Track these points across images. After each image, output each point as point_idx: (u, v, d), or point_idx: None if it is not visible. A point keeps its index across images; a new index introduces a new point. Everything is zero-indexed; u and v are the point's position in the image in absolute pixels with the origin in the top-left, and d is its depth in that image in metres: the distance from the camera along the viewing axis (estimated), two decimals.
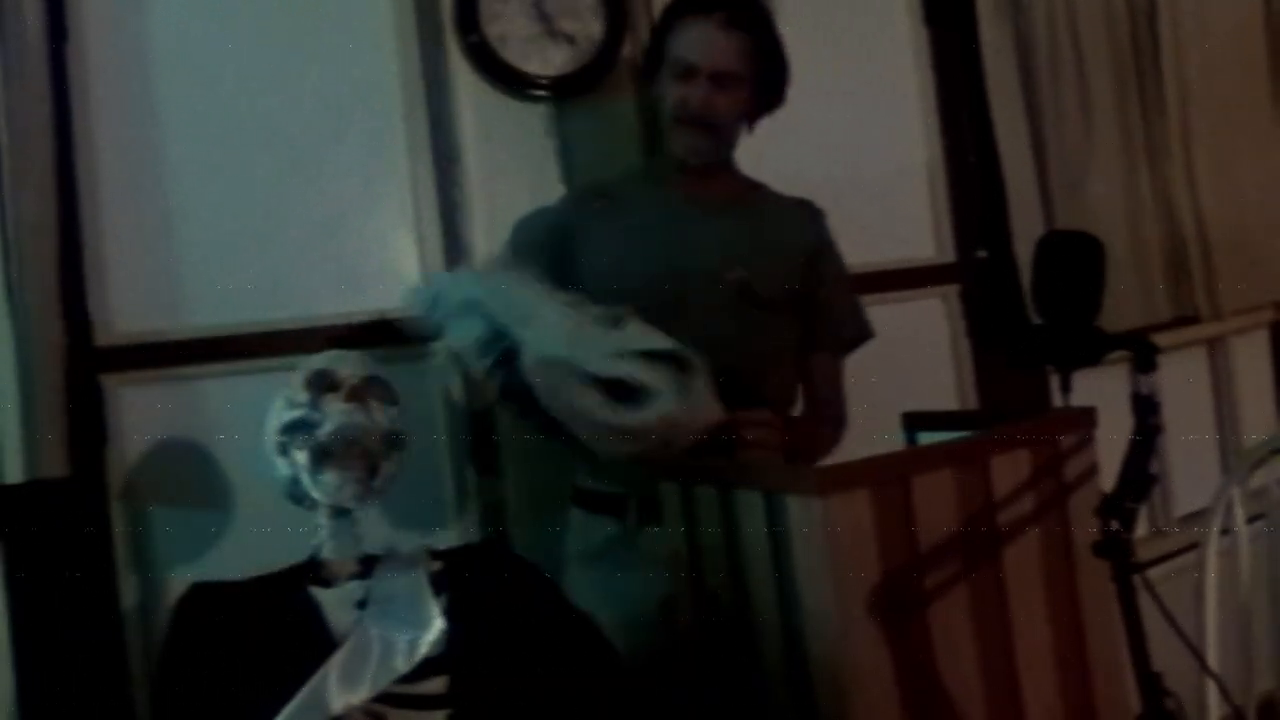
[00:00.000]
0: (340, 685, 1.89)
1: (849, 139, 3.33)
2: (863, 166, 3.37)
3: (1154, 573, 1.98)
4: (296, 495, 2.12)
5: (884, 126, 3.45)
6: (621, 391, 2.22)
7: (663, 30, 2.59)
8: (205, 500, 2.56)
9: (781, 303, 2.60)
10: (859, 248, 3.26)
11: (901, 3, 3.50)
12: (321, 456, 2.06)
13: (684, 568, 2.28)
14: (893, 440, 2.59)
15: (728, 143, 2.64)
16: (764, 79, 2.61)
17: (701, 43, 2.52)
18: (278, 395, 2.14)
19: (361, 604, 2.03)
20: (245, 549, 2.47)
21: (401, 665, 1.94)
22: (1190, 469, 3.90)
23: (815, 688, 2.02)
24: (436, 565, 2.11)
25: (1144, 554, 2.06)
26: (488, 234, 2.85)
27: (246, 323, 2.62)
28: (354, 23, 2.78)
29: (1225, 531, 2.45)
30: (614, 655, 2.14)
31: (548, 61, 2.95)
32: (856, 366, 3.05)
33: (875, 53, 3.45)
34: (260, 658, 1.93)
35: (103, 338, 2.54)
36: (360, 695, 1.90)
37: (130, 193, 2.60)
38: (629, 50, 3.06)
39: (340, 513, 2.08)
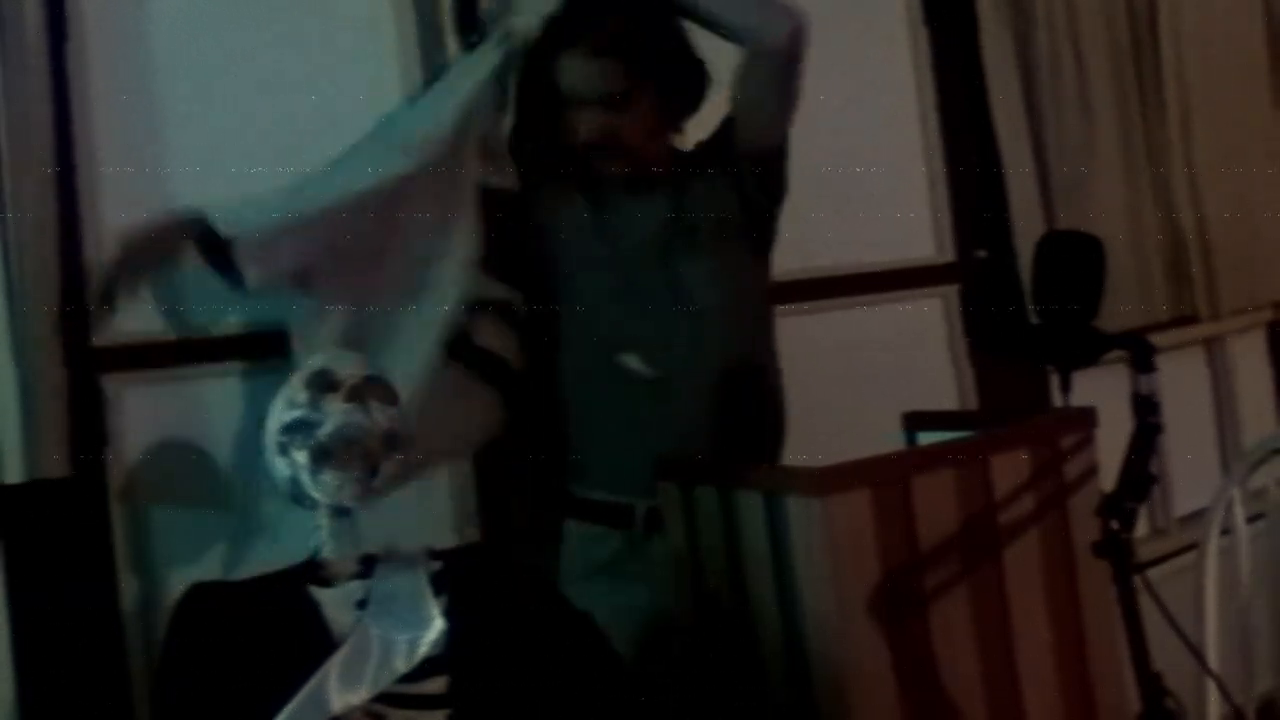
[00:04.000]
0: (340, 685, 1.89)
1: (849, 139, 3.33)
2: (862, 167, 3.36)
3: (1154, 573, 1.98)
4: (296, 495, 2.12)
5: (884, 127, 3.45)
6: None
7: (547, 62, 2.52)
8: (205, 500, 2.56)
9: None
10: (859, 248, 3.28)
11: (901, 3, 3.49)
12: (321, 456, 2.06)
13: (685, 568, 2.28)
14: (893, 440, 2.59)
15: (648, 159, 2.57)
16: (667, 87, 2.54)
17: (575, 74, 2.48)
18: (278, 395, 2.14)
19: (362, 604, 2.03)
20: (245, 549, 2.47)
21: (401, 665, 1.94)
22: (1190, 469, 3.90)
23: (815, 687, 2.02)
24: (436, 565, 2.11)
25: (1144, 554, 2.07)
26: None
27: (247, 323, 2.62)
28: (354, 22, 2.78)
29: (1225, 532, 2.46)
30: (613, 656, 2.15)
31: None
32: (857, 366, 3.06)
33: (875, 53, 3.45)
34: (260, 658, 1.93)
35: (103, 338, 2.54)
36: (360, 695, 1.90)
37: (131, 192, 2.59)
38: None
39: (340, 512, 2.08)
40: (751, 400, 2.58)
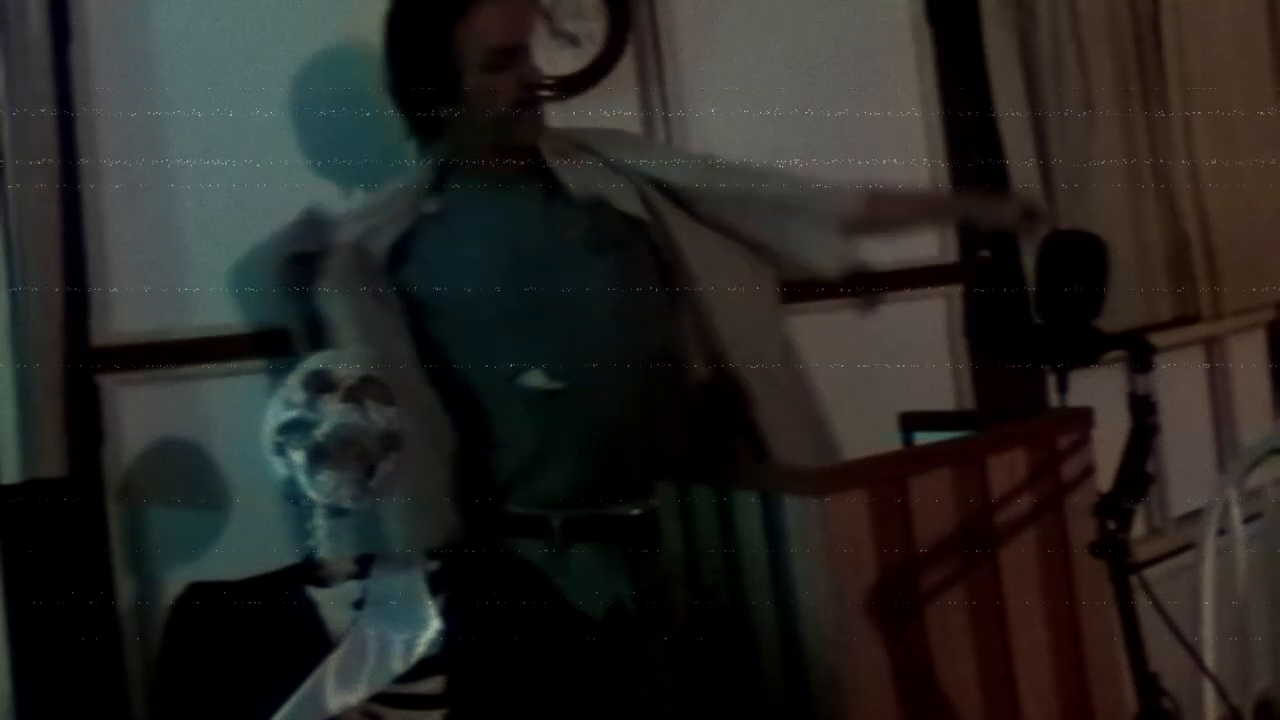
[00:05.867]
0: (337, 685, 1.90)
1: (851, 138, 3.32)
2: (865, 166, 3.35)
3: (1151, 573, 1.97)
4: (293, 495, 2.12)
5: (887, 126, 3.44)
6: None
7: (438, 34, 2.40)
8: (202, 500, 2.56)
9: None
10: (861, 247, 3.26)
11: (904, 1, 3.49)
12: (318, 456, 2.05)
13: (681, 568, 2.28)
14: (890, 440, 2.59)
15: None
16: None
17: (509, 22, 2.42)
18: (275, 395, 2.14)
19: (358, 604, 2.03)
20: (242, 549, 2.47)
21: (398, 665, 1.94)
22: (1187, 469, 3.89)
23: (812, 688, 2.02)
24: (433, 565, 2.11)
25: (1141, 554, 2.06)
26: None
27: (245, 323, 2.62)
28: (355, 23, 2.77)
29: (1222, 531, 2.45)
30: (611, 654, 2.15)
31: (550, 61, 2.92)
32: (854, 365, 3.05)
33: (878, 51, 3.45)
34: (257, 658, 1.93)
35: (101, 337, 2.55)
36: (357, 695, 1.90)
37: (131, 193, 2.60)
38: (631, 49, 3.06)
39: (337, 513, 2.08)
40: (668, 401, 2.54)
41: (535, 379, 2.43)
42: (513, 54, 2.43)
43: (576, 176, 2.53)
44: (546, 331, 2.45)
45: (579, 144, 2.59)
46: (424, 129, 2.53)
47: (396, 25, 2.45)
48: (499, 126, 2.48)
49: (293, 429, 2.09)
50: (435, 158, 2.59)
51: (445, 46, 2.40)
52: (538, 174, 2.53)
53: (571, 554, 2.44)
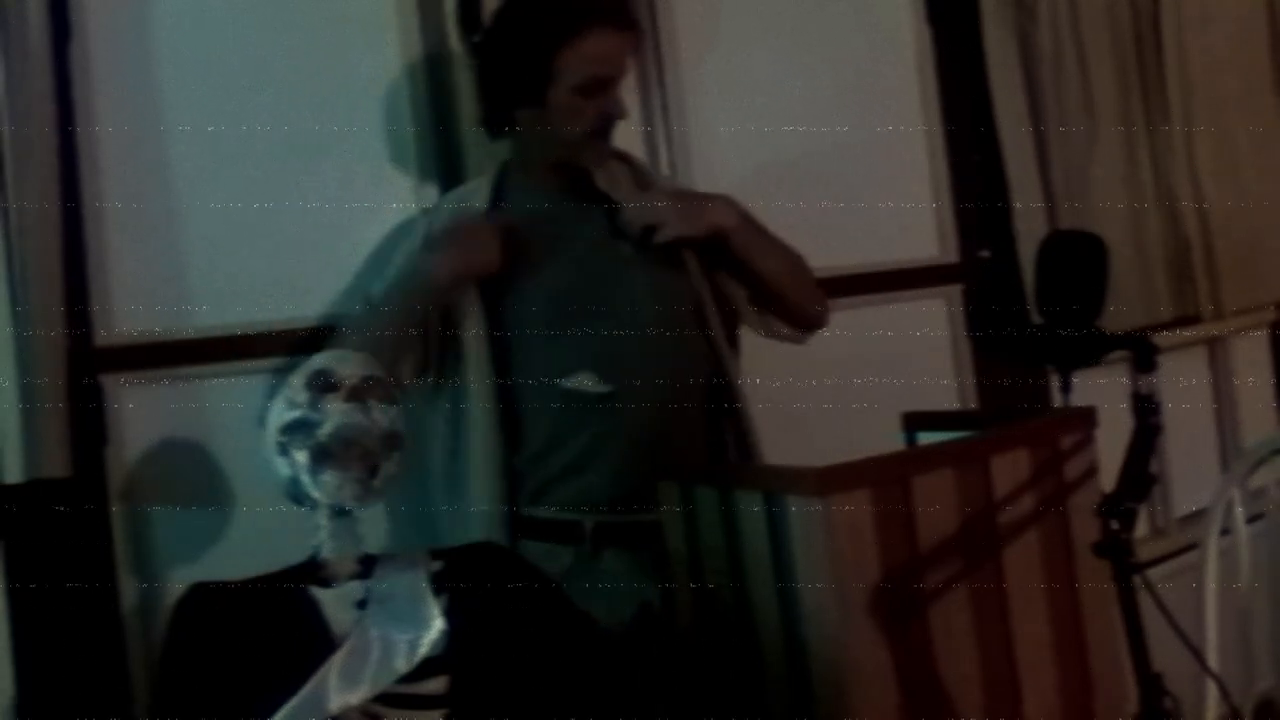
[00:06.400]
0: (339, 685, 1.89)
1: (852, 138, 3.33)
2: (866, 166, 3.37)
3: (1154, 573, 1.98)
4: (296, 495, 2.12)
5: (887, 126, 3.44)
6: None
7: (546, 45, 2.42)
8: (206, 501, 2.56)
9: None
10: (862, 247, 3.27)
11: (904, 1, 3.49)
12: (321, 457, 2.05)
13: (684, 568, 2.28)
14: (893, 440, 2.59)
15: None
16: None
17: (614, 55, 2.45)
18: (277, 395, 2.14)
19: (361, 604, 2.03)
20: (245, 549, 2.47)
21: (401, 665, 1.94)
22: (1190, 469, 3.90)
23: (815, 688, 2.02)
24: (437, 565, 2.11)
25: (1144, 554, 2.06)
26: None
27: (248, 323, 2.62)
28: (357, 22, 2.78)
29: (1225, 532, 2.46)
30: (614, 655, 2.15)
31: None
32: (857, 366, 3.05)
33: (878, 52, 3.45)
34: (260, 658, 1.93)
35: (104, 337, 2.54)
36: (359, 695, 1.90)
37: (133, 192, 2.60)
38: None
39: (340, 513, 2.07)
40: (702, 415, 2.58)
41: (585, 381, 2.44)
42: (607, 85, 2.46)
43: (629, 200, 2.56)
44: (597, 338, 2.46)
45: (635, 173, 2.65)
46: (496, 123, 2.58)
47: (506, 23, 2.50)
48: (568, 146, 2.51)
49: (296, 429, 2.09)
50: (498, 156, 2.65)
51: (548, 57, 2.42)
52: (589, 194, 2.55)
53: (602, 558, 2.45)
